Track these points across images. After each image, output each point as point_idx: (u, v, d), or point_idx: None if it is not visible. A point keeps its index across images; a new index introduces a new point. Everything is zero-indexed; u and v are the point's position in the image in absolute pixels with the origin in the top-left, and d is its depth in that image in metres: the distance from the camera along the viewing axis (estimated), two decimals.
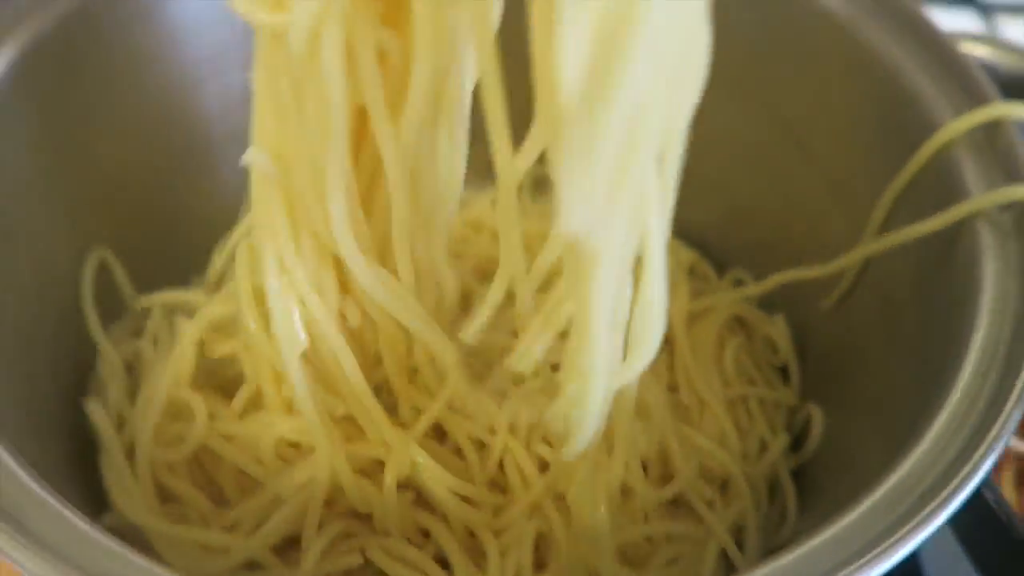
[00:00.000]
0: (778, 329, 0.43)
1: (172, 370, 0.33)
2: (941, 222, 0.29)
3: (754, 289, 0.42)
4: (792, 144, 0.40)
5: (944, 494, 0.21)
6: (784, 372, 0.43)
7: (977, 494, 0.35)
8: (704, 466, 0.37)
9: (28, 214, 0.31)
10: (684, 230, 0.50)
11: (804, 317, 0.42)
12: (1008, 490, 0.41)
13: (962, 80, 0.31)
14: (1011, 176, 0.28)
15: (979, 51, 0.32)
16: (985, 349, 0.24)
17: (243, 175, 0.29)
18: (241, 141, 0.30)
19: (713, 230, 0.49)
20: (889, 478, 0.22)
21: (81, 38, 0.31)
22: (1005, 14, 0.79)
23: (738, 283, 0.46)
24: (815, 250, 0.40)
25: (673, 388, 0.41)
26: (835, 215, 0.38)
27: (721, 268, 0.49)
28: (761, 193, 0.44)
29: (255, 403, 0.34)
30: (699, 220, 0.49)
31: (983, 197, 0.28)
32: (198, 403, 0.33)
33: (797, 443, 0.41)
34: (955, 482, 0.21)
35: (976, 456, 0.21)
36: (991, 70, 0.33)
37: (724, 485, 0.37)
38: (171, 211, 0.38)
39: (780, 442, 0.39)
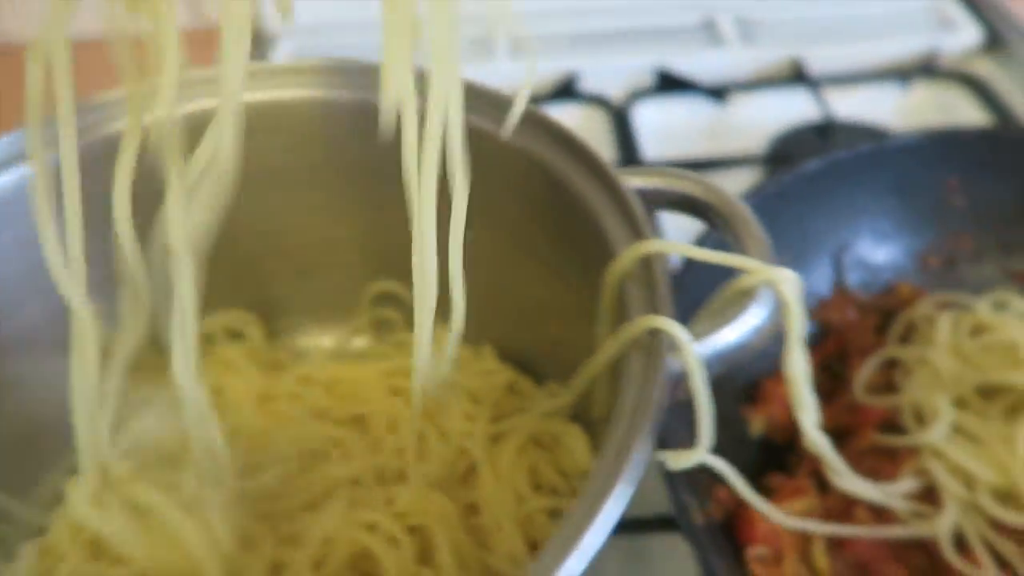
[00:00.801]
0: (574, 438, 0.46)
1: None
2: (617, 346, 0.33)
3: (520, 423, 0.45)
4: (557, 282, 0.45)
5: None
6: None
7: None
8: None
9: None
10: (509, 352, 0.55)
11: (594, 424, 0.46)
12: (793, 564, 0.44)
13: (630, 216, 0.36)
14: (654, 304, 0.32)
15: (654, 181, 0.37)
16: (605, 460, 0.28)
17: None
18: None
19: (532, 350, 0.53)
20: None
21: None
22: (833, 87, 0.85)
23: (552, 395, 0.50)
24: None
25: (475, 510, 0.44)
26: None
27: (541, 380, 0.53)
28: (550, 321, 0.49)
29: None
30: (519, 341, 0.54)
31: (634, 323, 0.32)
32: None
33: None
34: None
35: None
36: (665, 192, 0.37)
37: None
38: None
39: None
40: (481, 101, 0.44)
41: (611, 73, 0.89)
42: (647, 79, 0.88)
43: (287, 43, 0.93)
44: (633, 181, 0.38)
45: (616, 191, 0.37)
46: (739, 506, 0.45)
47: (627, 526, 0.50)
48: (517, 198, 0.44)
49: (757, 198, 0.51)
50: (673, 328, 0.31)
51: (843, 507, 0.47)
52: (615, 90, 0.87)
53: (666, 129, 0.84)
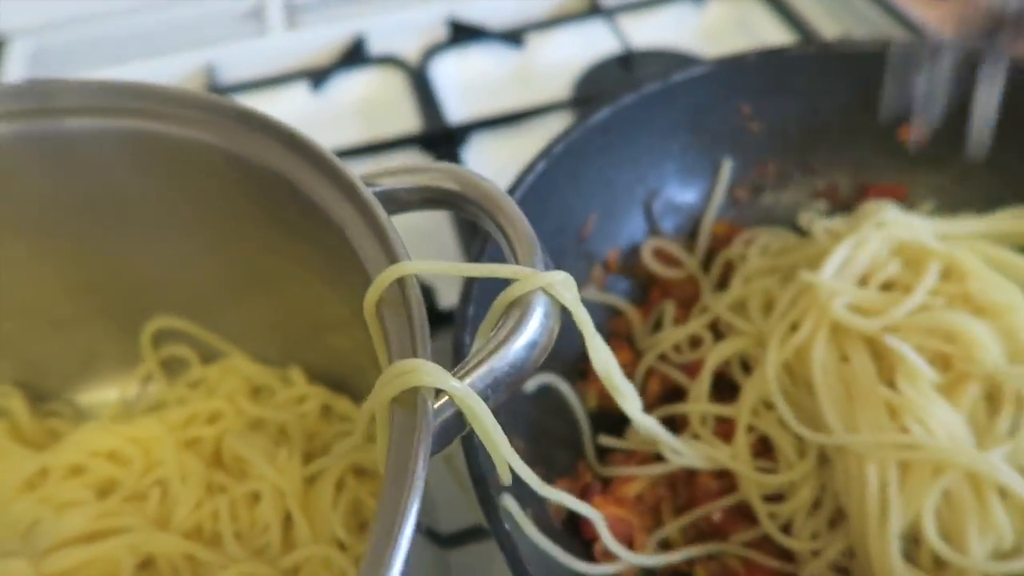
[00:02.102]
0: None
1: None
2: (377, 397, 0.29)
3: (332, 460, 0.41)
4: (333, 295, 0.39)
5: None
6: None
7: None
8: None
9: None
10: (319, 371, 0.49)
11: None
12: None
13: (379, 232, 0.31)
14: (411, 341, 0.28)
15: (405, 180, 0.32)
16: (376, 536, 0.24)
17: None
18: None
19: (341, 365, 0.48)
20: None
21: None
22: (628, 15, 0.82)
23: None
24: None
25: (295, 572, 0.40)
26: None
27: (358, 398, 0.48)
28: (346, 334, 0.43)
29: None
30: (327, 357, 0.48)
31: (390, 372, 0.27)
32: None
33: None
34: None
35: None
36: (420, 189, 0.33)
37: None
38: None
39: None
40: (207, 113, 0.37)
41: (401, 30, 0.83)
42: (440, 32, 0.82)
43: (22, 43, 0.81)
44: (383, 182, 0.33)
45: (361, 202, 0.32)
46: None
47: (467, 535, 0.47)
48: (258, 210, 0.38)
49: (548, 160, 0.47)
50: (432, 375, 0.26)
51: (686, 474, 0.45)
52: (408, 48, 0.80)
53: (467, 83, 0.78)
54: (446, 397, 0.27)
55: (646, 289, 0.54)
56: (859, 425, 0.40)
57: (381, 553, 0.24)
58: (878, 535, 0.39)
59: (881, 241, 0.46)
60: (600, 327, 0.53)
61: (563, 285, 0.29)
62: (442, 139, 0.70)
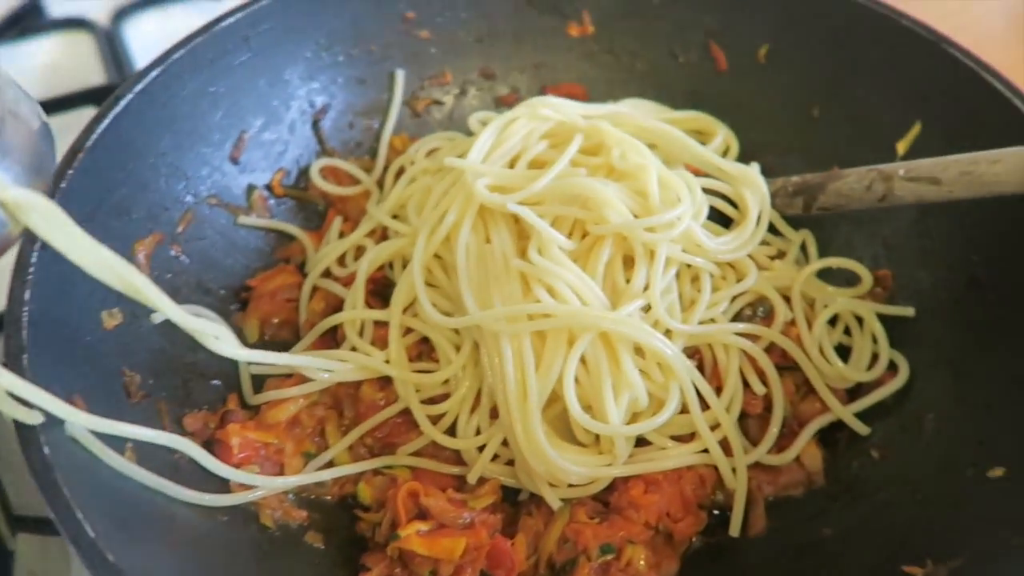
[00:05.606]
0: None
1: None
2: None
3: None
4: None
5: None
6: None
7: None
8: None
9: None
10: None
11: None
12: None
13: None
14: None
15: None
16: None
17: None
18: None
19: None
20: None
21: None
22: None
23: None
24: None
25: None
26: None
27: None
28: None
29: None
30: None
31: None
32: None
33: None
34: None
35: None
36: None
37: None
38: None
39: None
40: None
41: None
42: None
43: None
44: None
45: None
46: None
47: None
48: None
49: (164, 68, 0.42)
50: None
51: (351, 389, 0.41)
52: (96, 9, 0.73)
53: (168, 44, 0.72)
54: None
55: (325, 214, 0.50)
56: (493, 302, 0.38)
57: None
58: (521, 413, 0.37)
59: (530, 124, 0.44)
60: (267, 255, 0.49)
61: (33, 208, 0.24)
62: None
